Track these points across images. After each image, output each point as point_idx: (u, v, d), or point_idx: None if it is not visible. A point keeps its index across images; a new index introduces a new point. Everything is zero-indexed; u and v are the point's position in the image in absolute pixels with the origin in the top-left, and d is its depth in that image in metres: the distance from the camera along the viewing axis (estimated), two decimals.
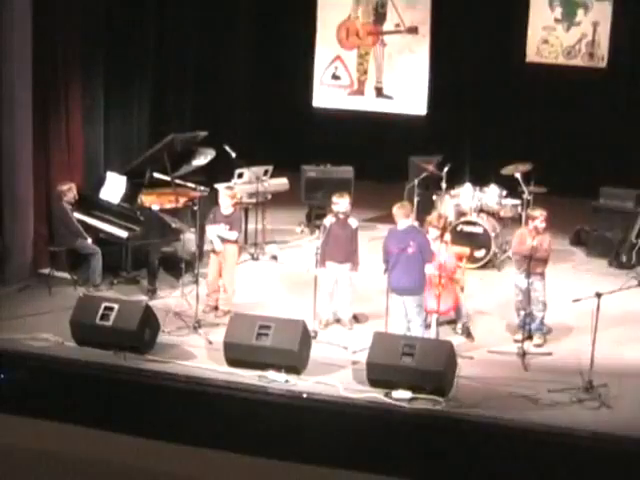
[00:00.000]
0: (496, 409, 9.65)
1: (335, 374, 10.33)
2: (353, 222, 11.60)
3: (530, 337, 11.05)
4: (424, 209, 13.55)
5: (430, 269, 10.77)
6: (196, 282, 11.53)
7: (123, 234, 12.43)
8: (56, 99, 13.05)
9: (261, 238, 14.21)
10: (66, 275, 12.64)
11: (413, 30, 17.48)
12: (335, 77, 18.12)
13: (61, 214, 12.47)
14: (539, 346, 11.14)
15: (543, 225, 11.07)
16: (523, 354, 10.67)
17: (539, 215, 11.09)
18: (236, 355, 10.42)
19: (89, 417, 9.12)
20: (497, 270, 13.60)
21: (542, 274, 11.17)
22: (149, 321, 10.92)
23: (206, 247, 12.45)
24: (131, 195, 12.78)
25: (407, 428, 9.56)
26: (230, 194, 12.03)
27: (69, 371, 10.45)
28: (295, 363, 10.29)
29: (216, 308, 11.90)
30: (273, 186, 14.46)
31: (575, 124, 16.56)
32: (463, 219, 13.72)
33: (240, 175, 14.18)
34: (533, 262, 10.94)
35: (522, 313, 11.05)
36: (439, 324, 10.99)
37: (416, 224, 11.16)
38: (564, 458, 9.00)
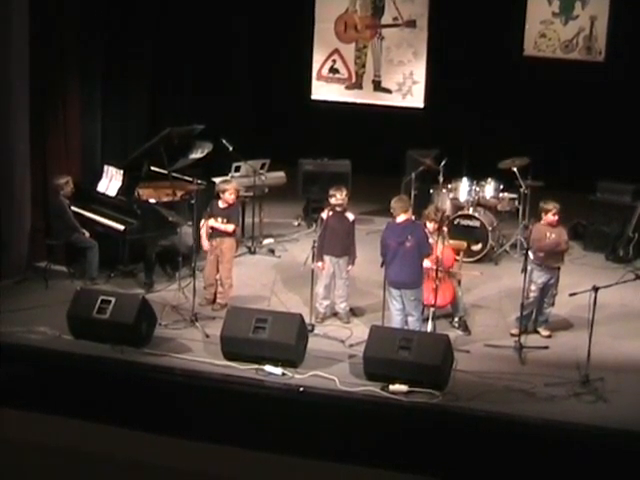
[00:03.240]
0: (493, 403, 9.66)
1: (332, 368, 10.33)
2: (350, 216, 11.60)
3: (526, 331, 11.05)
4: (421, 203, 13.55)
5: (427, 262, 10.79)
6: (193, 275, 11.54)
7: (120, 227, 12.42)
8: (53, 92, 13.02)
9: (258, 232, 14.21)
10: (63, 268, 12.64)
11: (411, 23, 17.46)
12: (333, 70, 18.10)
13: (58, 208, 12.46)
14: (549, 337, 11.21)
15: (556, 217, 11.08)
16: (520, 348, 10.69)
17: (552, 208, 11.08)
18: (233, 348, 10.42)
19: (86, 411, 9.14)
20: (494, 264, 13.60)
21: (559, 268, 11.21)
22: (146, 314, 10.91)
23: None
24: (128, 188, 12.75)
25: (404, 422, 9.56)
26: (237, 189, 12.05)
27: (66, 364, 10.44)
28: (292, 357, 10.29)
29: (213, 301, 11.90)
30: (270, 179, 14.47)
31: (572, 118, 16.56)
32: (460, 213, 13.72)
33: (237, 168, 14.18)
34: (555, 256, 11.00)
35: (529, 310, 11.06)
36: (436, 318, 10.99)
37: (413, 218, 11.15)
38: (560, 452, 9.01)
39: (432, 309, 10.93)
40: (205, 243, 11.83)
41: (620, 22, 16.38)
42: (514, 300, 11.43)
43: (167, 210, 12.55)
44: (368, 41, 17.89)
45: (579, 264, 13.58)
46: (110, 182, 12.93)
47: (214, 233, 11.82)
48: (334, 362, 10.48)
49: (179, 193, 12.94)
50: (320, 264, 11.42)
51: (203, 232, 11.84)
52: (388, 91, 17.85)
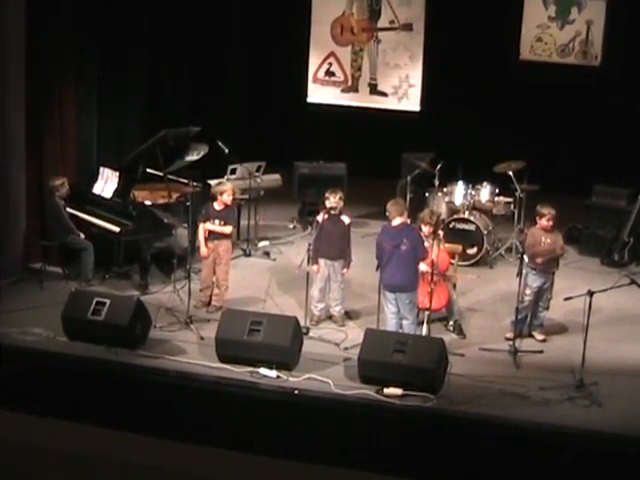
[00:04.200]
0: (487, 406, 9.66)
1: (327, 370, 10.33)
2: (345, 219, 11.60)
3: (521, 335, 11.05)
4: (417, 206, 13.53)
5: (424, 266, 10.79)
6: (188, 277, 11.53)
7: (115, 229, 12.40)
8: (50, 93, 13.02)
9: (254, 234, 14.20)
10: (58, 270, 12.62)
11: (407, 27, 17.47)
12: (329, 73, 18.10)
13: (53, 209, 12.45)
14: (544, 341, 11.21)
15: (550, 223, 11.08)
16: (515, 351, 10.69)
17: (547, 213, 11.09)
18: (228, 351, 10.41)
19: (80, 412, 9.12)
20: (489, 267, 13.60)
21: (554, 272, 11.22)
22: (141, 316, 10.91)
23: (198, 243, 12.42)
24: (124, 190, 12.74)
25: (398, 425, 9.56)
26: (233, 190, 12.07)
27: (60, 366, 10.43)
28: (287, 359, 10.29)
29: (208, 304, 11.89)
30: (266, 182, 14.46)
31: (568, 122, 16.57)
32: (456, 216, 13.72)
33: (233, 171, 14.18)
34: (550, 261, 11.01)
35: (524, 314, 11.07)
36: (431, 321, 10.99)
37: (408, 221, 11.15)
38: (554, 455, 9.01)
39: (427, 312, 10.93)
40: (204, 249, 11.79)
41: (616, 27, 16.40)
42: (509, 304, 11.44)
43: (162, 212, 12.55)
44: (364, 44, 17.89)
45: (574, 268, 13.58)
46: (106, 184, 12.92)
47: (211, 235, 11.80)
48: (329, 365, 10.47)
49: (175, 195, 12.93)
50: (315, 267, 11.42)
51: (201, 237, 11.81)
52: (384, 94, 17.85)
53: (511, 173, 13.85)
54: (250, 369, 10.23)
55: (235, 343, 10.38)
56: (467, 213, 13.71)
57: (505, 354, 10.79)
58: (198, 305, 11.83)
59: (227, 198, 11.80)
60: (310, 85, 18.13)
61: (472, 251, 13.49)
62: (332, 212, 11.45)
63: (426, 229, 11.10)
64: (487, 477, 8.95)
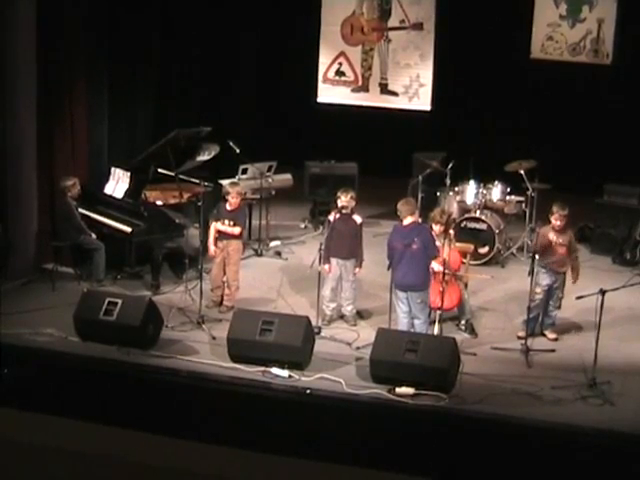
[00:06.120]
0: (499, 406, 9.66)
1: (338, 370, 10.33)
2: (357, 218, 11.59)
3: (533, 334, 11.03)
4: (428, 205, 13.55)
5: (435, 265, 10.79)
6: (200, 277, 11.54)
7: (127, 229, 12.43)
8: (60, 94, 13.04)
9: (265, 234, 14.21)
10: (70, 270, 12.65)
11: (418, 26, 17.45)
12: (339, 73, 18.09)
13: (65, 210, 12.47)
14: (556, 340, 11.18)
15: (558, 222, 11.04)
16: (526, 350, 10.68)
17: (555, 212, 11.05)
18: (239, 351, 10.42)
19: (92, 412, 9.14)
20: (501, 267, 13.58)
21: (565, 272, 11.19)
22: (153, 316, 10.93)
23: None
24: (135, 190, 12.77)
25: (410, 424, 9.56)
26: (239, 192, 12.05)
27: (72, 366, 10.46)
28: (298, 359, 10.29)
29: (220, 304, 11.90)
30: (277, 182, 14.46)
31: (579, 121, 16.54)
32: (467, 215, 13.71)
33: (244, 171, 14.19)
34: (562, 260, 10.97)
35: (536, 313, 11.04)
36: (442, 320, 10.98)
37: (419, 220, 11.14)
38: (567, 455, 9.00)
39: (439, 312, 10.92)
40: (211, 248, 11.83)
41: (627, 25, 16.35)
42: (520, 303, 11.43)
43: (174, 212, 12.57)
44: (375, 44, 17.88)
45: (586, 267, 13.44)
46: (117, 184, 12.94)
47: (221, 235, 11.83)
48: (341, 364, 10.48)
49: (186, 195, 12.96)
50: (327, 266, 11.42)
51: (211, 237, 11.84)
52: (395, 94, 17.84)
53: (522, 172, 13.84)
54: (262, 369, 10.24)
55: (247, 343, 10.39)
56: (478, 212, 13.70)
57: (517, 353, 10.78)
58: (210, 305, 11.84)
59: (231, 200, 11.82)
60: (320, 85, 18.12)
61: (483, 250, 13.48)
62: (343, 211, 11.45)
63: (437, 228, 11.09)
64: (499, 476, 8.94)
